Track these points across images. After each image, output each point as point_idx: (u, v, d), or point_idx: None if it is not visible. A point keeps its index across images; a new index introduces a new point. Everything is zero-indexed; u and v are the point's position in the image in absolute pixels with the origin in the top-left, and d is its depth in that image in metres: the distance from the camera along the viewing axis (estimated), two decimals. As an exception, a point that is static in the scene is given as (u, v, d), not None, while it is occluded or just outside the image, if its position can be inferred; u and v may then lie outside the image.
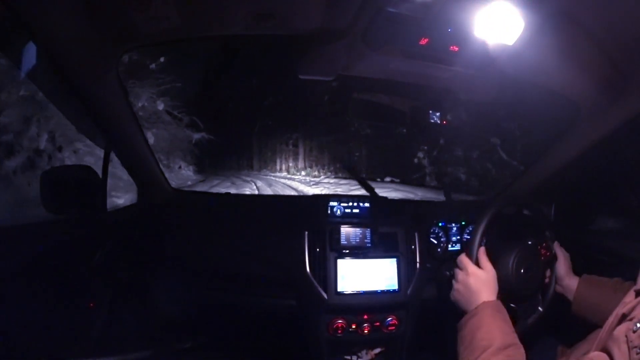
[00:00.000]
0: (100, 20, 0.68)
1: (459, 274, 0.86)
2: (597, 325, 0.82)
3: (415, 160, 10.11)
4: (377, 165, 11.01)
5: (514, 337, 0.70)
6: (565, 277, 0.99)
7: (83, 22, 0.67)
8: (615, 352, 0.48)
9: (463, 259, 0.88)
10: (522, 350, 0.67)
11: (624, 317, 0.53)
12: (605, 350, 0.50)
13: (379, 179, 10.51)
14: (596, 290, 0.92)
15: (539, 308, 1.00)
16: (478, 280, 0.82)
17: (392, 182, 10.29)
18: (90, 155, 5.23)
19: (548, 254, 1.01)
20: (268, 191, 9.20)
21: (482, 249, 0.88)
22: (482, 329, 0.72)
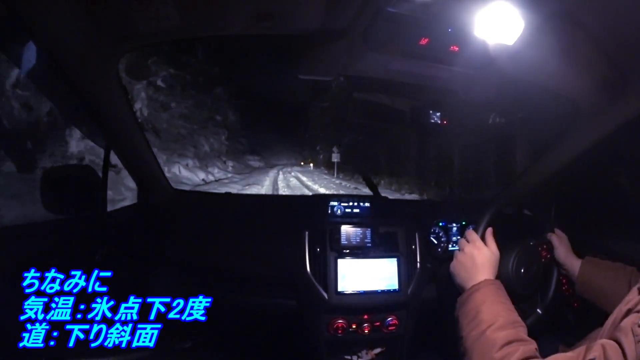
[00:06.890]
0: (100, 20, 0.68)
1: (466, 246, 0.85)
2: (602, 310, 0.84)
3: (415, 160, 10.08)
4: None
5: (517, 315, 0.71)
6: (566, 260, 1.00)
7: (83, 23, 0.67)
8: (624, 341, 0.48)
9: (472, 232, 0.87)
10: (526, 329, 0.68)
11: (628, 312, 0.53)
12: (613, 340, 0.50)
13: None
14: (599, 274, 0.93)
15: (538, 310, 1.00)
16: (484, 256, 0.82)
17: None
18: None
19: (548, 256, 1.01)
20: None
21: (490, 230, 0.87)
22: (487, 303, 0.71)
